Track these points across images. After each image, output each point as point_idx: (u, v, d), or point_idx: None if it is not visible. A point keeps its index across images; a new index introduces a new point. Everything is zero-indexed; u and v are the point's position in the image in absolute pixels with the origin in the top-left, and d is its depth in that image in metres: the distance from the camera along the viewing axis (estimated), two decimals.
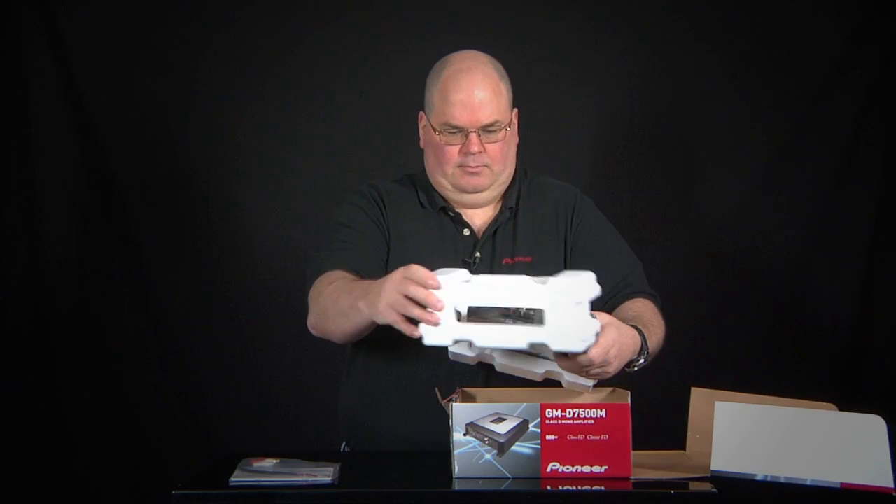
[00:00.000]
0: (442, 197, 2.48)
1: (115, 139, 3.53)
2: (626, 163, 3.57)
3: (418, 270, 2.02)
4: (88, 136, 3.52)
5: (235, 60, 3.55)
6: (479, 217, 2.49)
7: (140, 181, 3.55)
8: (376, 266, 2.39)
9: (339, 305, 2.26)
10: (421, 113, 2.50)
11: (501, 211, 2.48)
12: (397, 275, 2.05)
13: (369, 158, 3.48)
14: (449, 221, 2.48)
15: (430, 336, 2.02)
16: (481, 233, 2.47)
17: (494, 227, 2.47)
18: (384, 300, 2.06)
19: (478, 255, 2.45)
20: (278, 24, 3.55)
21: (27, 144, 3.50)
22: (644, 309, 2.40)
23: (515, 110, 2.50)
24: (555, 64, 3.56)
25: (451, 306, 2.01)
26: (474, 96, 2.40)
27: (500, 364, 2.23)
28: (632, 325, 2.25)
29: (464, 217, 2.48)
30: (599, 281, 2.13)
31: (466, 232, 2.47)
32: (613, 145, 3.58)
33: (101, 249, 3.55)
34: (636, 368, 2.27)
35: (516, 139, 2.52)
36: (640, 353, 2.25)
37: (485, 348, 2.20)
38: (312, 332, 2.39)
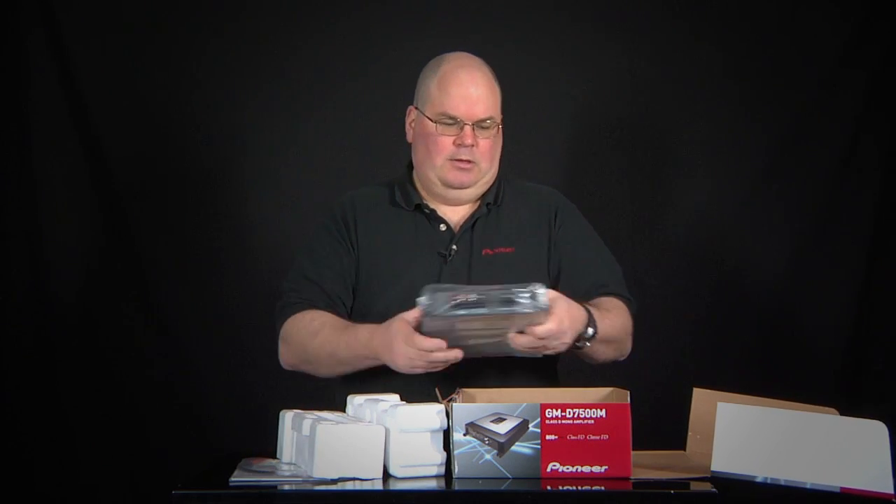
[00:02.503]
0: (420, 194, 2.56)
1: (115, 139, 3.53)
2: (622, 164, 3.57)
3: (421, 343, 2.20)
4: (88, 137, 3.52)
5: (236, 59, 3.55)
6: (456, 213, 2.56)
7: (140, 181, 3.55)
8: (341, 291, 2.51)
9: (338, 357, 2.41)
10: (410, 108, 2.58)
11: (479, 206, 2.55)
12: (402, 348, 2.23)
13: (370, 157, 3.48)
14: (424, 219, 2.55)
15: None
16: (458, 227, 2.53)
17: (473, 221, 2.54)
18: (404, 367, 2.26)
19: (454, 247, 2.51)
20: (279, 23, 3.55)
21: (27, 145, 3.50)
22: (608, 302, 2.47)
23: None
24: (551, 64, 3.57)
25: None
26: (473, 91, 2.50)
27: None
28: (581, 304, 2.34)
29: (439, 213, 2.55)
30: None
31: (443, 227, 2.54)
32: (610, 147, 3.58)
33: (101, 249, 3.54)
34: (580, 345, 2.34)
35: (501, 140, 2.58)
36: (588, 326, 2.32)
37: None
38: (287, 368, 2.56)
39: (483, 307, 2.09)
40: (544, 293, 2.13)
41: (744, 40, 3.55)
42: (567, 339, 2.27)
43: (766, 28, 3.55)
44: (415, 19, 3.55)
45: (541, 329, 2.19)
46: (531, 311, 2.12)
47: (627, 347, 2.52)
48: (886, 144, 3.49)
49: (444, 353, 2.22)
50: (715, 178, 3.55)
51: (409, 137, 2.59)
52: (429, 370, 2.26)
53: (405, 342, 2.23)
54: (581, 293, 2.41)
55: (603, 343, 2.39)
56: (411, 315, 2.21)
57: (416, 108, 2.56)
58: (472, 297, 2.09)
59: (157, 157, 3.56)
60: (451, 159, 2.49)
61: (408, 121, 2.59)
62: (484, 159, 2.51)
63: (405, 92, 2.62)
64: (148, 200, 3.55)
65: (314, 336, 2.45)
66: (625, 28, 3.56)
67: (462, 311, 2.08)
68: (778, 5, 3.55)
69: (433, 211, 2.55)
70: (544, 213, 2.57)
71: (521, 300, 2.10)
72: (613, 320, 2.43)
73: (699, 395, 2.27)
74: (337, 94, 3.56)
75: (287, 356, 2.54)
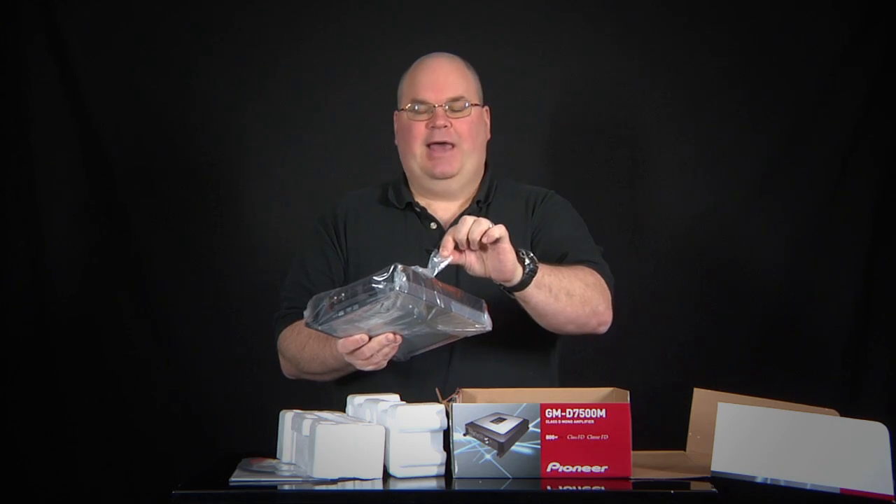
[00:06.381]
0: (412, 193, 2.57)
1: (115, 139, 3.53)
2: (622, 165, 3.57)
3: (343, 348, 2.18)
4: (88, 137, 3.52)
5: (236, 60, 3.55)
6: (447, 211, 2.57)
7: (140, 181, 3.55)
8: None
9: (329, 365, 2.42)
10: (395, 113, 2.61)
11: (470, 204, 2.56)
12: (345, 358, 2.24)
13: (370, 158, 3.47)
14: (415, 217, 2.57)
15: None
16: (448, 225, 2.53)
17: None
18: (363, 368, 2.24)
19: None
20: (279, 23, 3.56)
21: (27, 145, 3.50)
22: (571, 267, 2.39)
23: (487, 107, 2.60)
24: (550, 65, 3.57)
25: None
26: (440, 74, 2.53)
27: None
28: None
29: (429, 211, 2.56)
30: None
31: (433, 225, 2.55)
32: (610, 147, 3.58)
33: (100, 250, 3.54)
34: (528, 267, 2.21)
35: (486, 129, 2.60)
36: (521, 260, 2.20)
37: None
38: (290, 378, 2.59)
39: (355, 301, 2.05)
40: (401, 269, 2.03)
41: (743, 40, 3.55)
42: (487, 224, 2.12)
43: (765, 28, 3.55)
44: (414, 20, 3.55)
45: (460, 228, 2.11)
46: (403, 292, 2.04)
47: (601, 310, 2.39)
48: (886, 144, 3.49)
49: (368, 346, 2.17)
50: (715, 178, 3.55)
51: (395, 140, 2.62)
52: (379, 361, 2.21)
53: (342, 354, 2.22)
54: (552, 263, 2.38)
55: (564, 294, 2.29)
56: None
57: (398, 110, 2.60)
58: (342, 294, 2.07)
59: (157, 156, 3.56)
60: (428, 144, 2.51)
61: (395, 128, 2.62)
62: (464, 140, 2.51)
63: None
64: (148, 200, 3.55)
65: (302, 349, 2.48)
66: (624, 28, 3.57)
67: (340, 312, 2.07)
68: (778, 6, 3.55)
69: (424, 209, 2.56)
70: (529, 207, 2.58)
71: (377, 285, 2.02)
72: (572, 275, 2.34)
73: (699, 395, 2.27)
74: (337, 94, 3.56)
75: (286, 368, 2.59)
